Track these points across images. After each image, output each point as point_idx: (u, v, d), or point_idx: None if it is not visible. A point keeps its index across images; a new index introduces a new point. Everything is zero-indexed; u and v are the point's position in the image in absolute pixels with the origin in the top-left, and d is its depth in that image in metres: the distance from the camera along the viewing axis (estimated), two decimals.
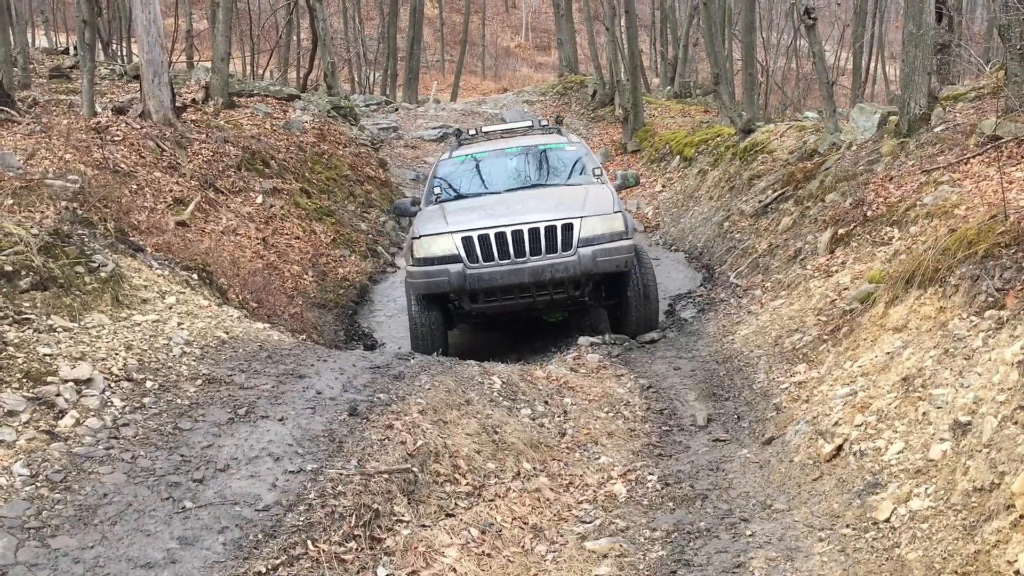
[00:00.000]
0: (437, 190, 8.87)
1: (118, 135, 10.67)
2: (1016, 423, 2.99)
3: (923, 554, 2.91)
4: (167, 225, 8.89)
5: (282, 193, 12.14)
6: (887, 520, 3.20)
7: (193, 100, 13.71)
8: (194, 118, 12.73)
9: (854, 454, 3.76)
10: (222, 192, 11.11)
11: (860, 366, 4.63)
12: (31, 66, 14.74)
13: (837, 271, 7.05)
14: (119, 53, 22.48)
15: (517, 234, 7.48)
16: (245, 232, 10.45)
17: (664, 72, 28.04)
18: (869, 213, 7.51)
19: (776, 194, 10.85)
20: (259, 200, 11.57)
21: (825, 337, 5.85)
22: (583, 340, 7.58)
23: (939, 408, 3.56)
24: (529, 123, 10.84)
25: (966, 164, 7.38)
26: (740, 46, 21.39)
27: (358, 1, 36.75)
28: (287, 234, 11.25)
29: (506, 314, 8.17)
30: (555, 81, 26.69)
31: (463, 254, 7.45)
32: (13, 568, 2.80)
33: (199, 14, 33.68)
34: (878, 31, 29.20)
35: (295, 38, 31.08)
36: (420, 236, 7.79)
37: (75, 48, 16.87)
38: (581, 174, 9.05)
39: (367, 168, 15.23)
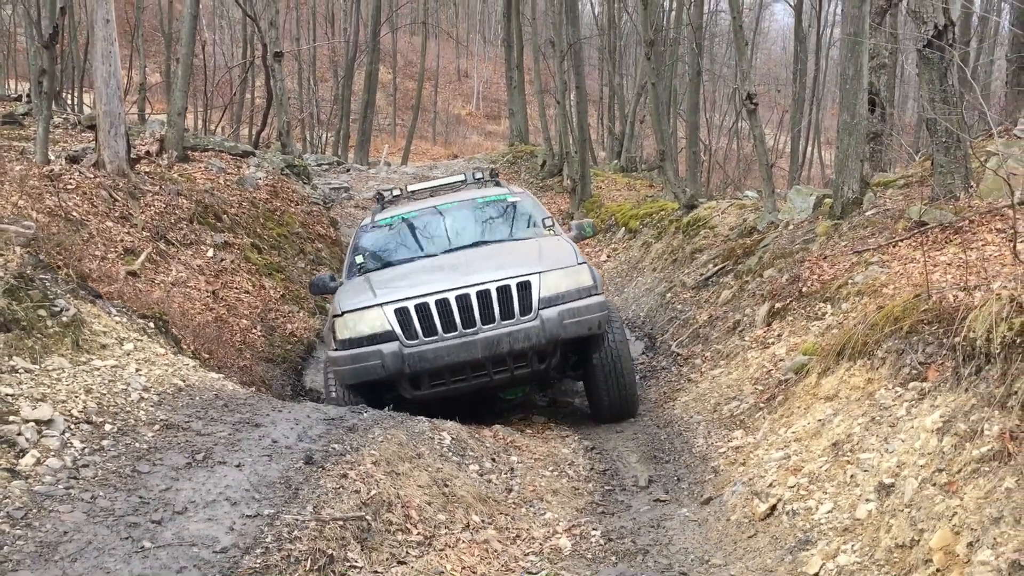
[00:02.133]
0: (360, 259, 7.64)
1: (71, 183, 10.69)
2: (934, 484, 3.24)
3: None
4: (118, 274, 8.90)
5: (233, 247, 12.22)
6: (816, 574, 3.41)
7: (148, 152, 13.77)
8: (148, 170, 12.79)
9: (787, 513, 3.98)
10: (173, 244, 11.15)
11: (794, 432, 4.89)
12: None
13: (773, 343, 7.38)
14: (70, 103, 22.44)
15: (463, 299, 6.32)
16: (195, 284, 10.48)
17: (611, 146, 28.86)
18: (804, 289, 7.89)
19: (717, 268, 11.27)
20: (210, 253, 11.62)
21: (761, 405, 6.12)
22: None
23: (866, 471, 3.81)
24: (461, 177, 9.56)
25: (894, 247, 7.82)
26: (685, 125, 22.20)
27: (313, 62, 37.24)
28: (237, 288, 11.30)
29: (455, 398, 6.83)
30: (505, 149, 27.27)
31: (398, 330, 6.28)
32: None
33: (151, 67, 33.79)
34: (815, 118, 30.52)
35: (249, 96, 31.33)
36: (343, 312, 6.51)
37: (28, 96, 16.85)
38: (529, 227, 7.94)
39: (318, 226, 15.40)
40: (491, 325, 6.31)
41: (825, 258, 8.49)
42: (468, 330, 6.30)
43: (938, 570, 2.87)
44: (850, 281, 7.30)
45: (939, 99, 8.22)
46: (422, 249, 7.87)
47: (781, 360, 6.82)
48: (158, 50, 36.39)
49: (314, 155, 27.76)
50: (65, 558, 3.18)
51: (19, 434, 3.73)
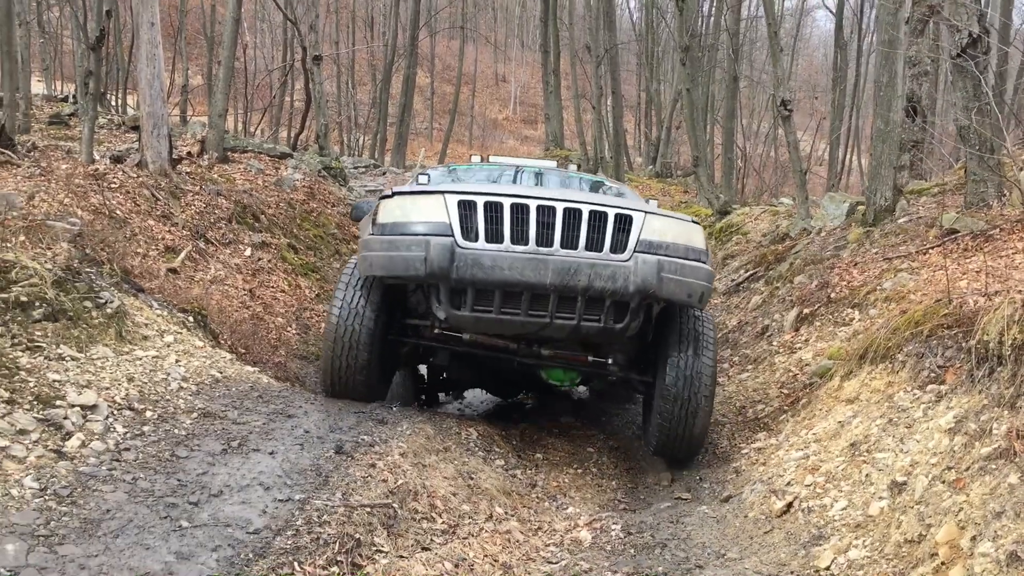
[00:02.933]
0: (423, 180, 5.91)
1: (115, 182, 10.99)
2: (943, 482, 3.32)
3: None
4: (159, 271, 9.16)
5: (270, 247, 12.46)
6: (827, 568, 3.49)
7: (189, 153, 14.11)
8: (189, 170, 13.10)
9: (802, 510, 4.07)
10: (212, 243, 11.41)
11: (814, 433, 4.96)
12: (31, 112, 15.10)
13: (800, 348, 7.43)
14: (114, 104, 22.95)
15: (545, 211, 5.04)
16: (233, 283, 10.72)
17: (647, 152, 28.92)
18: (833, 295, 7.93)
19: (748, 274, 11.31)
20: (247, 253, 11.87)
21: (785, 408, 6.19)
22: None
23: (880, 471, 3.89)
24: (554, 163, 8.30)
25: (925, 254, 7.84)
26: (721, 131, 22.21)
27: (352, 66, 37.70)
28: (273, 287, 11.53)
29: (493, 350, 5.71)
30: (541, 154, 27.40)
31: (456, 225, 4.97)
32: (24, 570, 3.03)
33: (193, 70, 34.42)
34: (855, 125, 30.31)
35: (288, 99, 31.82)
36: (393, 194, 5.28)
37: (74, 96, 17.35)
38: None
39: (353, 228, 15.61)
40: (571, 251, 5.01)
41: (855, 264, 8.52)
42: (542, 247, 4.99)
43: (943, 563, 2.95)
44: (879, 287, 7.33)
45: (973, 107, 8.23)
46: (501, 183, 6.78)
47: (807, 364, 6.88)
48: (200, 53, 37.09)
49: (351, 158, 28.14)
50: (108, 534, 3.36)
51: (65, 418, 3.92)
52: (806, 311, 8.03)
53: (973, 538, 2.85)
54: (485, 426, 6.07)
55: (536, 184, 6.95)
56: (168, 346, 5.24)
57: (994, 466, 3.08)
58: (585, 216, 5.06)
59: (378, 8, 45.77)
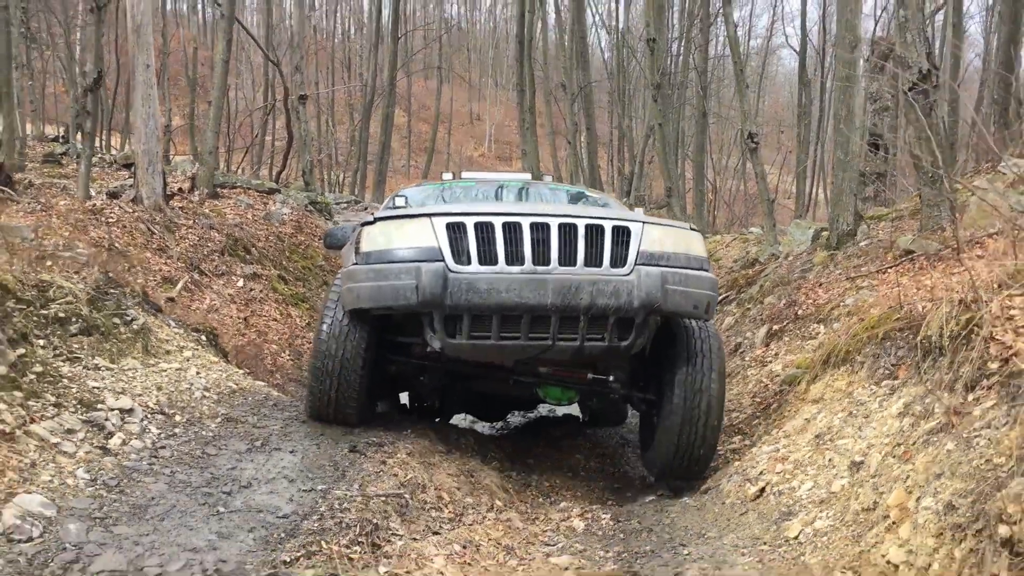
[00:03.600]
0: (399, 202, 5.93)
1: (112, 217, 11.38)
2: (894, 456, 3.79)
3: (821, 558, 3.66)
4: (158, 300, 9.55)
5: (261, 278, 12.87)
6: (796, 537, 3.94)
7: (180, 189, 14.53)
8: (181, 205, 13.51)
9: (773, 493, 4.52)
10: (206, 274, 11.81)
11: (784, 431, 5.44)
12: (26, 151, 15.47)
13: (771, 361, 7.93)
14: (98, 143, 23.31)
15: (540, 228, 4.80)
16: (228, 311, 11.11)
17: (620, 186, 29.60)
18: (800, 312, 8.46)
19: (722, 297, 11.83)
20: (240, 284, 12.27)
21: (758, 414, 6.67)
22: (543, 408, 8.16)
23: (841, 455, 4.36)
24: (528, 175, 8.20)
25: (883, 273, 8.39)
26: (692, 165, 22.93)
27: (332, 105, 38.32)
28: (266, 316, 11.93)
29: (489, 371, 5.56)
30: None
31: (446, 249, 4.73)
32: (87, 545, 3.42)
33: (174, 111, 34.89)
34: (820, 158, 31.26)
35: (270, 138, 32.31)
36: (375, 220, 5.06)
37: (63, 136, 17.77)
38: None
39: (339, 260, 16.05)
40: (571, 268, 4.77)
41: (820, 284, 9.06)
42: (540, 267, 4.74)
43: (894, 523, 3.41)
44: (841, 304, 7.86)
45: (924, 137, 8.85)
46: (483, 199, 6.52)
47: (777, 375, 7.37)
48: (180, 93, 37.62)
49: (332, 194, 28.59)
50: (155, 518, 3.76)
51: (106, 419, 4.33)
52: (775, 328, 8.55)
53: (918, 499, 3.32)
54: (479, 436, 6.50)
55: (519, 199, 6.85)
56: (188, 360, 5.65)
57: (935, 439, 3.56)
58: (581, 231, 4.81)
59: (354, 50, 46.59)
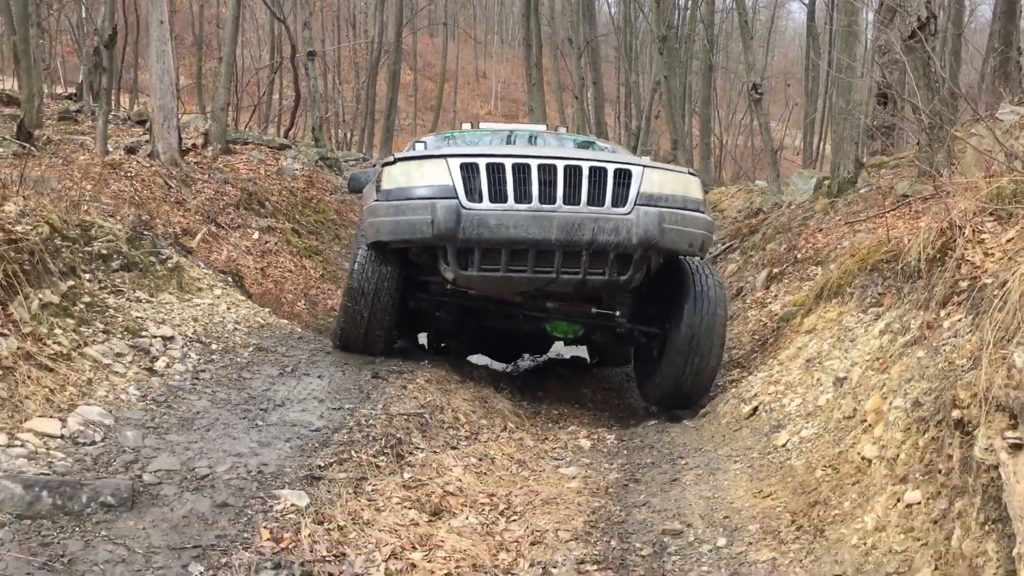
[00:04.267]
0: (419, 147, 6.35)
1: (131, 171, 11.71)
2: (873, 369, 4.15)
3: (805, 460, 4.04)
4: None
5: (276, 231, 13.23)
6: (783, 445, 4.32)
7: (194, 145, 14.84)
8: (196, 161, 13.84)
9: (765, 411, 4.89)
10: (223, 227, 12.17)
11: (778, 360, 5.80)
12: (43, 109, 15.77)
13: (771, 302, 8.27)
14: (113, 102, 23.56)
15: (547, 170, 5.18)
16: (245, 263, 11.48)
17: (627, 141, 29.75)
18: (799, 256, 8.78)
19: (725, 246, 12.17)
20: (255, 236, 12.63)
21: (756, 349, 7.03)
22: (552, 352, 8.54)
23: (827, 374, 4.72)
24: (543, 127, 8.72)
25: (881, 218, 8.67)
26: (699, 120, 23.10)
27: (338, 63, 38.37)
28: (281, 267, 12.30)
29: (501, 306, 5.97)
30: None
31: (460, 188, 5.11)
32: (143, 449, 3.80)
33: (180, 70, 35.02)
34: (827, 112, 31.31)
35: (277, 96, 32.48)
36: (395, 160, 5.45)
37: (77, 94, 18.01)
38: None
39: (351, 214, 16.39)
40: (575, 207, 5.15)
41: (820, 230, 9.37)
42: (546, 205, 5.13)
43: (870, 425, 3.77)
44: (838, 247, 8.18)
45: (923, 85, 9.09)
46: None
47: (776, 315, 7.71)
48: (186, 52, 37.70)
49: (341, 152, 28.79)
50: (201, 428, 4.15)
51: (151, 345, 4.71)
52: (775, 271, 8.88)
53: (891, 402, 3.68)
54: (492, 371, 6.88)
55: (531, 145, 7.18)
56: (218, 297, 6.03)
57: (909, 350, 3.91)
58: (585, 172, 5.16)
59: (359, 6, 46.45)
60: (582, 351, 9.09)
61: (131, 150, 12.60)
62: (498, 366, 8.77)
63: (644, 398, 6.57)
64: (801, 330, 6.07)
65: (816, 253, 8.52)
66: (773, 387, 5.14)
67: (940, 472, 2.99)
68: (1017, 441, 2.35)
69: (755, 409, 5.02)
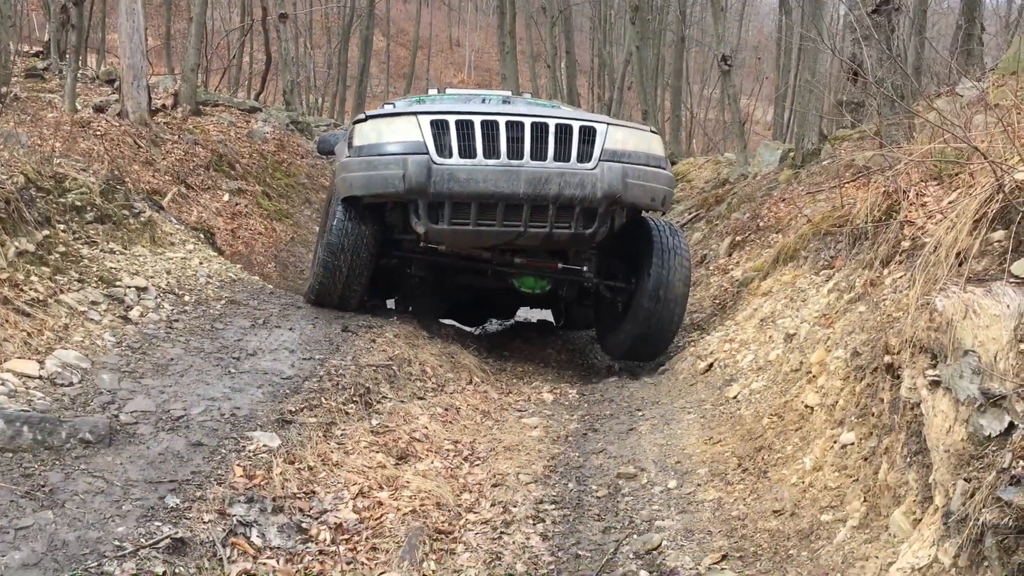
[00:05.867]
0: (388, 108, 6.34)
1: (100, 130, 11.68)
2: (819, 325, 4.37)
3: (753, 410, 4.26)
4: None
5: (246, 194, 13.26)
6: (735, 397, 4.54)
7: (163, 106, 14.76)
8: (165, 121, 13.79)
9: (720, 366, 5.12)
10: (193, 188, 12.19)
11: (735, 320, 6.02)
12: (10, 65, 15.58)
13: (732, 269, 8.50)
14: (84, 61, 23.24)
15: (514, 126, 5.35)
16: (215, 224, 11.52)
17: (599, 112, 29.88)
18: (761, 224, 9.01)
19: (692, 216, 12.38)
20: (226, 198, 12.66)
21: (716, 312, 7.25)
22: (519, 315, 8.71)
23: (779, 331, 4.94)
24: (509, 92, 8.85)
25: (841, 187, 8.91)
26: (670, 91, 23.25)
27: (309, 27, 38.00)
28: (251, 229, 12.35)
29: (470, 261, 6.09)
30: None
31: (430, 143, 5.26)
32: (120, 391, 3.94)
33: (152, 33, 34.51)
34: (797, 88, 31.59)
35: (247, 60, 32.15)
36: (366, 118, 5.58)
37: (43, 51, 17.78)
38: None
39: (322, 179, 16.42)
40: (541, 162, 5.32)
41: (783, 200, 9.60)
42: (514, 160, 5.30)
43: (814, 376, 3.99)
44: (799, 215, 8.40)
45: (886, 58, 9.31)
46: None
47: (736, 280, 7.94)
48: (153, 13, 37.17)
49: (312, 117, 28.64)
50: (176, 374, 4.28)
51: (125, 295, 4.82)
52: (738, 239, 9.11)
53: (833, 354, 3.90)
54: (459, 330, 7.05)
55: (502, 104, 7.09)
56: (190, 252, 6.13)
57: (852, 306, 4.13)
58: (552, 129, 5.34)
59: None
60: (548, 315, 9.27)
61: (100, 109, 12.53)
62: (466, 329, 8.95)
63: (607, 352, 6.78)
64: (758, 293, 6.29)
65: (777, 221, 8.75)
66: (728, 344, 5.36)
67: (872, 414, 3.21)
68: (936, 378, 2.57)
69: (710, 365, 5.24)
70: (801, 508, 3.24)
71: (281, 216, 13.65)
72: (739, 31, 37.00)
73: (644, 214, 6.21)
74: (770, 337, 4.99)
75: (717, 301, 7.70)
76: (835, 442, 3.39)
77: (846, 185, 8.99)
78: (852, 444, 3.24)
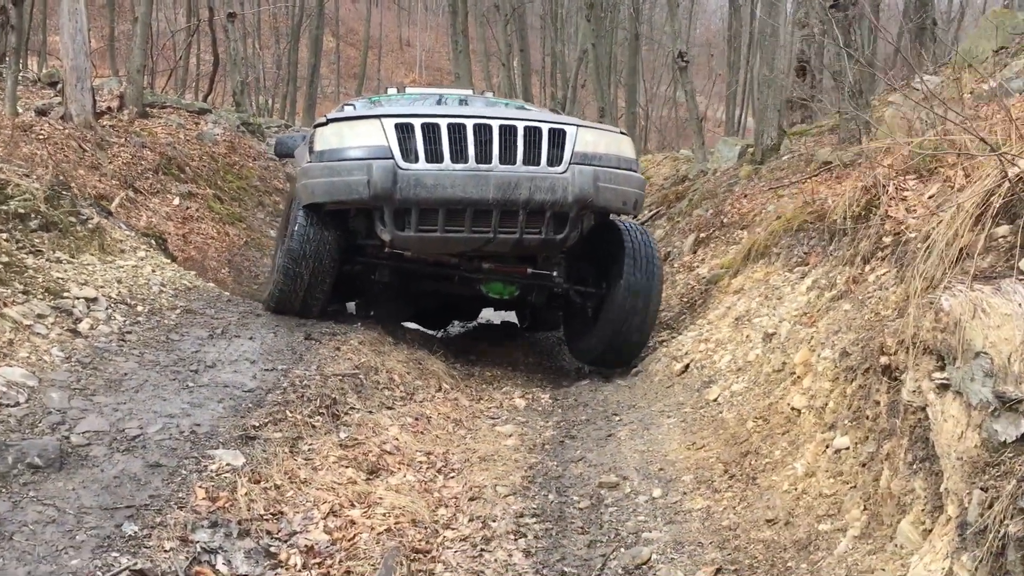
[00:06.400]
0: (348, 110, 6.12)
1: (43, 134, 11.25)
2: (801, 324, 4.27)
3: (736, 413, 4.14)
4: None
5: (197, 197, 12.88)
6: (715, 400, 4.42)
7: (109, 108, 14.31)
8: (111, 124, 13.37)
9: (697, 368, 5.00)
10: (141, 192, 11.80)
11: (707, 319, 5.91)
12: None
13: (698, 266, 8.41)
14: (24, 63, 22.55)
15: (482, 130, 5.17)
16: (165, 229, 11.16)
17: (554, 111, 29.81)
18: (725, 220, 8.94)
19: (652, 213, 12.31)
20: (176, 202, 12.28)
21: (685, 310, 7.14)
22: (482, 317, 8.54)
23: (756, 331, 4.84)
24: (471, 91, 8.66)
25: (803, 183, 8.89)
26: (624, 90, 23.22)
27: (258, 26, 37.41)
28: (204, 234, 12.00)
29: (437, 268, 5.88)
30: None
31: (395, 148, 5.06)
32: (70, 410, 3.69)
33: (95, 35, 33.68)
34: (749, 83, 31.81)
35: (194, 61, 31.51)
36: (327, 121, 5.38)
37: None
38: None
39: (275, 181, 16.07)
40: (511, 166, 5.15)
41: (745, 196, 9.55)
42: (482, 165, 5.12)
43: (799, 377, 3.88)
44: (763, 211, 8.35)
45: (844, 54, 9.31)
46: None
47: (703, 277, 7.85)
48: (97, 14, 36.28)
49: (263, 118, 28.16)
50: (130, 390, 4.04)
51: (73, 307, 4.55)
52: (702, 236, 9.03)
53: (819, 354, 3.79)
54: (424, 334, 6.86)
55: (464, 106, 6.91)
56: (142, 259, 5.85)
57: (835, 304, 4.03)
58: (520, 132, 5.18)
59: None
60: (512, 316, 9.11)
61: (42, 112, 12.11)
62: (429, 332, 8.75)
63: (578, 358, 6.63)
64: (729, 290, 6.19)
65: (741, 218, 8.69)
66: (704, 345, 5.24)
67: (867, 418, 3.10)
68: (944, 381, 2.45)
69: (687, 366, 5.12)
70: (796, 517, 3.11)
71: (234, 220, 13.30)
72: (688, 27, 37.20)
73: (612, 216, 6.06)
74: (747, 336, 4.88)
75: (685, 299, 7.60)
76: (827, 446, 3.27)
77: (810, 180, 9.00)
78: (847, 449, 3.12)
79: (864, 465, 2.94)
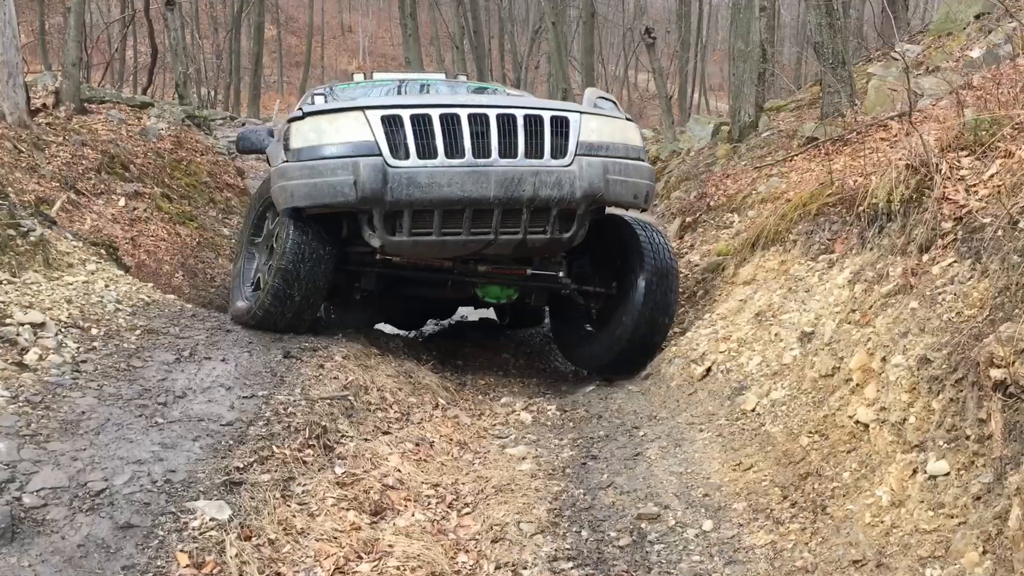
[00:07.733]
0: (319, 100, 5.30)
1: None
2: (850, 322, 3.83)
3: (783, 426, 3.69)
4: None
5: (144, 197, 12.12)
6: (753, 410, 3.97)
7: (44, 105, 13.44)
8: (47, 122, 12.55)
9: (722, 371, 4.54)
10: (84, 194, 11.04)
11: (719, 313, 5.46)
12: None
13: (687, 252, 7.97)
14: None
15: (478, 119, 4.69)
16: (112, 232, 10.43)
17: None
18: (711, 203, 8.52)
19: None
20: (122, 203, 11.53)
21: (683, 303, 6.69)
22: (457, 314, 8.04)
23: (787, 328, 4.39)
24: (442, 75, 8.08)
25: (791, 161, 8.51)
26: (579, 69, 22.75)
27: (196, 17, 36.18)
28: (153, 236, 11.27)
29: (429, 272, 5.38)
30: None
31: (383, 143, 4.55)
32: (20, 463, 3.11)
33: (24, 29, 32.24)
34: (701, 67, 31.60)
35: (131, 53, 30.32)
36: (304, 115, 4.77)
37: None
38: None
39: (225, 176, 15.30)
40: (512, 160, 4.67)
41: (728, 176, 9.14)
42: (480, 159, 4.63)
43: (858, 385, 3.45)
44: (753, 192, 7.94)
45: (826, 24, 8.93)
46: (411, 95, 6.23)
47: (697, 265, 7.40)
48: (26, 7, 34.77)
49: (207, 111, 27.18)
50: (89, 432, 3.46)
51: (18, 335, 3.94)
52: (688, 220, 8.60)
53: (883, 358, 3.35)
54: (407, 340, 6.33)
55: (447, 93, 6.50)
56: (93, 273, 5.23)
57: (894, 300, 3.59)
58: (520, 121, 4.72)
59: None
60: (490, 313, 8.60)
61: None
62: (403, 334, 8.23)
63: (578, 365, 6.11)
64: (737, 281, 5.76)
65: (729, 200, 8.28)
66: (724, 344, 4.79)
67: (970, 439, 2.66)
68: None
69: (708, 370, 4.66)
70: (890, 557, 2.67)
71: (184, 219, 12.56)
72: (646, 5, 36.82)
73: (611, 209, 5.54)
74: (776, 335, 4.44)
75: (681, 290, 7.15)
76: (915, 470, 2.83)
77: (795, 158, 8.61)
78: (946, 475, 2.68)
79: (978, 498, 2.50)
